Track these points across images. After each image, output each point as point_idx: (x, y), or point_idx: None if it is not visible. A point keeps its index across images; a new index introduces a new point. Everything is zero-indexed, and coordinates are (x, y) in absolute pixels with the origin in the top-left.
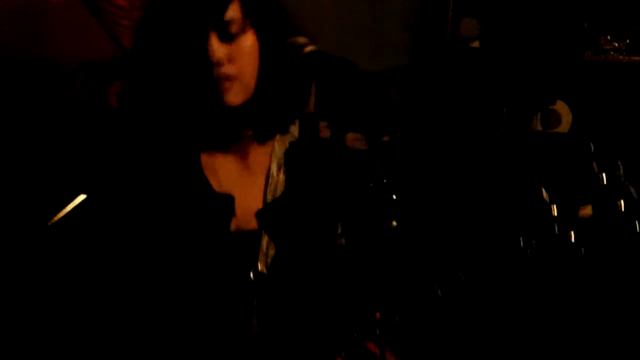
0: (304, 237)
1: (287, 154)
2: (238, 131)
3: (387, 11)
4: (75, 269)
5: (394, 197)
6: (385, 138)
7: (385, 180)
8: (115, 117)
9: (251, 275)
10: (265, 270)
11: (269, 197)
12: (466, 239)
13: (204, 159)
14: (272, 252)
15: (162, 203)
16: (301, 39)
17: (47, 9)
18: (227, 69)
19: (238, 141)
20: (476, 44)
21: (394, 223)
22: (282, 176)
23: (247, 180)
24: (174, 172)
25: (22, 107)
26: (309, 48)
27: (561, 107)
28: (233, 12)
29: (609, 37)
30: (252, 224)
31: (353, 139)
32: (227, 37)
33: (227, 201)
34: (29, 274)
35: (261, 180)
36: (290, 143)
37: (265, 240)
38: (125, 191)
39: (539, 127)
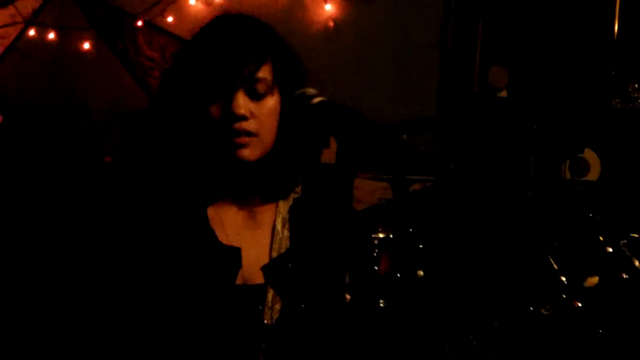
0: (310, 292)
1: (292, 210)
2: (248, 187)
3: (412, 62)
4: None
5: (421, 246)
6: (416, 186)
7: (411, 230)
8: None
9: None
10: (270, 324)
11: (274, 253)
12: (489, 293)
13: (211, 211)
14: (277, 306)
15: (168, 255)
16: (311, 90)
17: (77, 61)
18: (249, 125)
19: (245, 196)
20: (504, 93)
21: (420, 272)
22: (286, 232)
23: (252, 234)
24: (180, 223)
25: (53, 155)
26: (317, 99)
27: (590, 155)
28: (264, 73)
29: (637, 86)
30: (258, 278)
31: (372, 187)
32: (254, 95)
33: (234, 253)
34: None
35: (267, 235)
36: (294, 199)
37: (270, 294)
38: (130, 240)
39: (568, 175)
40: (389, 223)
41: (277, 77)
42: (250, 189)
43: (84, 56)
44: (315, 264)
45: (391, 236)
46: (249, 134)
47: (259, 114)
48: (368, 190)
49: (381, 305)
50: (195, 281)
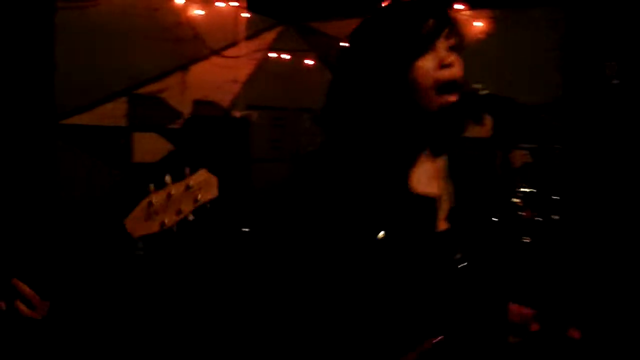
0: (487, 236)
1: (451, 165)
2: (430, 139)
3: (542, 57)
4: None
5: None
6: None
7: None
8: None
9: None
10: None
11: (448, 203)
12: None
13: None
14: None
15: (374, 212)
16: (477, 85)
17: (300, 72)
18: (457, 72)
19: (428, 149)
20: (616, 81)
21: (556, 217)
22: (451, 184)
23: (433, 185)
24: (384, 179)
25: None
26: (484, 91)
27: None
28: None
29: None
30: (442, 225)
31: (520, 155)
32: (453, 47)
33: (431, 203)
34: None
35: (442, 185)
36: (450, 157)
37: (455, 239)
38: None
39: None
40: (531, 182)
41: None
42: (431, 141)
43: (308, 71)
44: (482, 210)
45: (534, 190)
46: (454, 81)
47: (458, 63)
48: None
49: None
50: (400, 232)
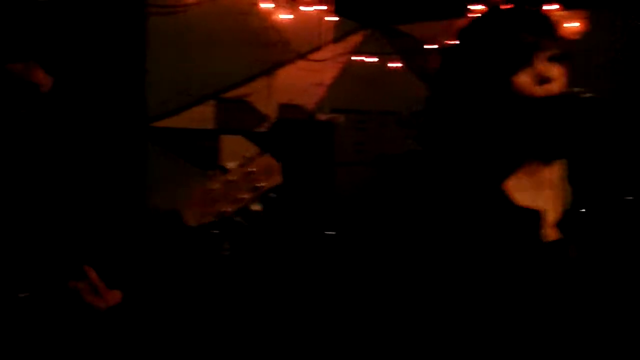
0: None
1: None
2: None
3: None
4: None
5: None
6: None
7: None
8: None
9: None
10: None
11: (557, 211)
12: None
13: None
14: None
15: (477, 226)
16: (577, 89)
17: (385, 75)
18: (557, 87)
19: (531, 160)
20: None
21: None
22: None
23: (538, 194)
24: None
25: None
26: (586, 95)
27: None
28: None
29: None
30: (554, 234)
31: None
32: (551, 60)
33: (535, 215)
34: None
35: (549, 194)
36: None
37: (571, 248)
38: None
39: None
40: None
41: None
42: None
43: (393, 73)
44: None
45: None
46: (554, 96)
47: (559, 76)
48: None
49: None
50: (504, 245)
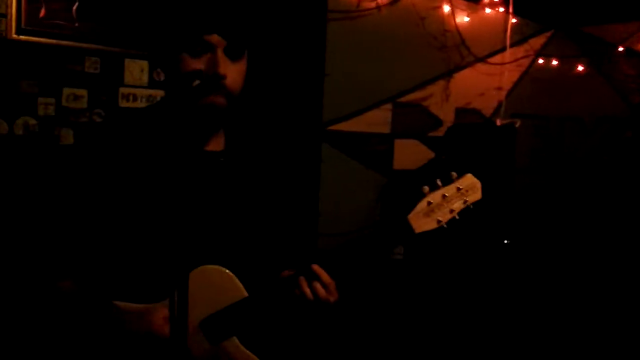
0: None
1: None
2: None
3: None
4: None
5: None
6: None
7: None
8: None
9: None
10: None
11: None
12: None
13: None
14: None
15: None
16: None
17: (572, 81)
18: None
19: None
20: None
21: None
22: None
23: None
24: None
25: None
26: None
27: None
28: None
29: None
30: None
31: None
32: None
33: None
34: None
35: None
36: None
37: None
38: None
39: None
40: None
41: None
42: None
43: (578, 77)
44: None
45: None
46: None
47: None
48: None
49: None
50: None
